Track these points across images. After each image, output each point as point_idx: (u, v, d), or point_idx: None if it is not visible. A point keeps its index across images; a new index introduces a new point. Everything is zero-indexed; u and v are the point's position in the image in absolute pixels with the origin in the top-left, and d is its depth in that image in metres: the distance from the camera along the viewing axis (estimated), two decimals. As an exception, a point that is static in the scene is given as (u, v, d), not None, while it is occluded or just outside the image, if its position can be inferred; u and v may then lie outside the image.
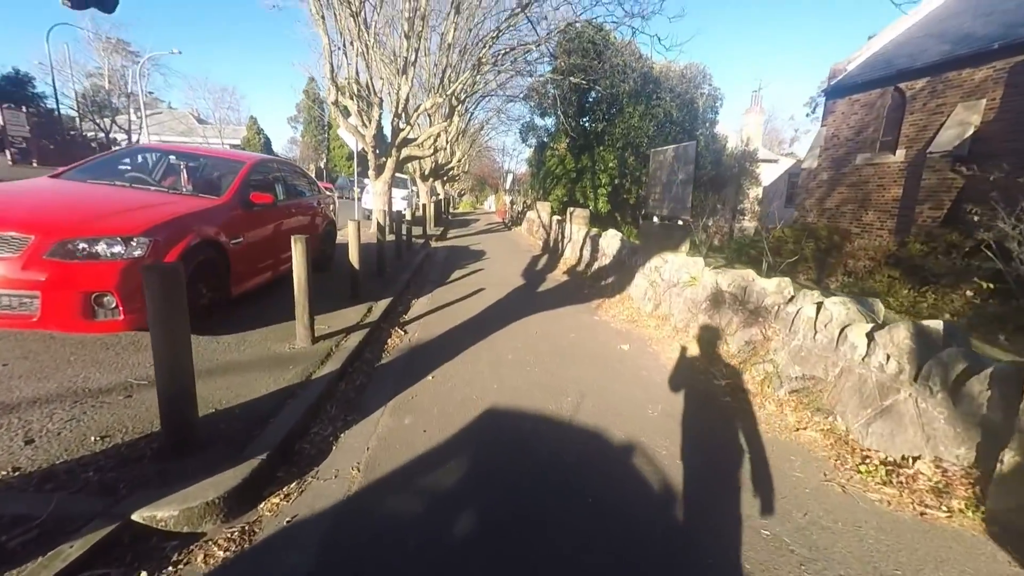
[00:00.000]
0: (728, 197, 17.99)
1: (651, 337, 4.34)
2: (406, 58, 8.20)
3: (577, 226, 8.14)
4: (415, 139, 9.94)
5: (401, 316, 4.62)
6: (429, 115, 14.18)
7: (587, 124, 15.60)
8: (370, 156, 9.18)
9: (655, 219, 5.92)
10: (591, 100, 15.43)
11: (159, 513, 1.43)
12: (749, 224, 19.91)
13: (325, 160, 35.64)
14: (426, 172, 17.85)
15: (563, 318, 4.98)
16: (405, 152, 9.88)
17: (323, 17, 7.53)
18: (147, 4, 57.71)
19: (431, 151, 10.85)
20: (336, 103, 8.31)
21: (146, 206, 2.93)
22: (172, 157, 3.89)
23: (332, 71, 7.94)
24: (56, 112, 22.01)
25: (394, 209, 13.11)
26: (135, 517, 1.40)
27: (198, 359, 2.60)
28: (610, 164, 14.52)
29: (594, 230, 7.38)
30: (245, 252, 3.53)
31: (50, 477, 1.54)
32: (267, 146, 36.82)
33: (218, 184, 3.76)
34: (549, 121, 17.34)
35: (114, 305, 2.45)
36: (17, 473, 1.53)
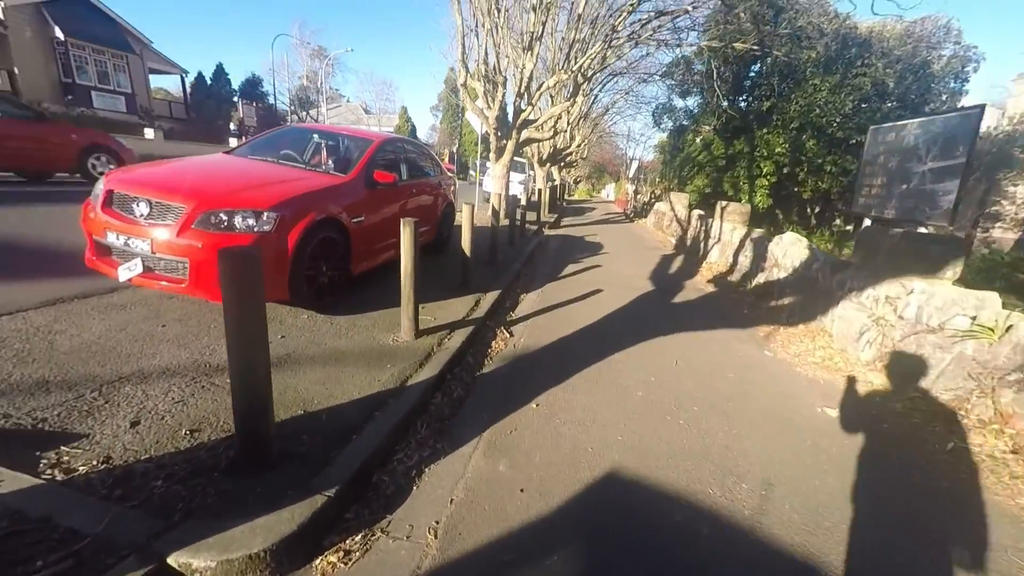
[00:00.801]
0: (973, 195, 12.69)
1: (874, 401, 2.91)
2: (532, 33, 7.66)
3: (730, 224, 6.51)
4: (535, 120, 9.45)
5: (508, 313, 4.17)
6: (551, 95, 13.59)
7: (745, 103, 12.80)
8: (492, 138, 9.05)
9: (867, 221, 4.12)
10: (754, 74, 12.60)
11: (196, 561, 1.15)
12: (1003, 235, 13.91)
13: (457, 145, 38.84)
14: (544, 157, 17.45)
15: (715, 345, 3.82)
16: (525, 134, 9.50)
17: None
18: (330, 9, 71.03)
19: (550, 133, 10.25)
20: (465, 85, 8.33)
21: (279, 182, 3.01)
22: (315, 136, 4.13)
23: (463, 53, 7.93)
24: (274, 106, 28.84)
25: (510, 193, 13.11)
26: (171, 561, 1.13)
27: (309, 340, 2.66)
28: (777, 149, 11.61)
29: (756, 231, 5.71)
30: (367, 231, 3.48)
31: (125, 479, 1.43)
32: (412, 132, 41.81)
33: (347, 162, 3.83)
34: (692, 101, 14.94)
35: None
36: (103, 467, 1.46)
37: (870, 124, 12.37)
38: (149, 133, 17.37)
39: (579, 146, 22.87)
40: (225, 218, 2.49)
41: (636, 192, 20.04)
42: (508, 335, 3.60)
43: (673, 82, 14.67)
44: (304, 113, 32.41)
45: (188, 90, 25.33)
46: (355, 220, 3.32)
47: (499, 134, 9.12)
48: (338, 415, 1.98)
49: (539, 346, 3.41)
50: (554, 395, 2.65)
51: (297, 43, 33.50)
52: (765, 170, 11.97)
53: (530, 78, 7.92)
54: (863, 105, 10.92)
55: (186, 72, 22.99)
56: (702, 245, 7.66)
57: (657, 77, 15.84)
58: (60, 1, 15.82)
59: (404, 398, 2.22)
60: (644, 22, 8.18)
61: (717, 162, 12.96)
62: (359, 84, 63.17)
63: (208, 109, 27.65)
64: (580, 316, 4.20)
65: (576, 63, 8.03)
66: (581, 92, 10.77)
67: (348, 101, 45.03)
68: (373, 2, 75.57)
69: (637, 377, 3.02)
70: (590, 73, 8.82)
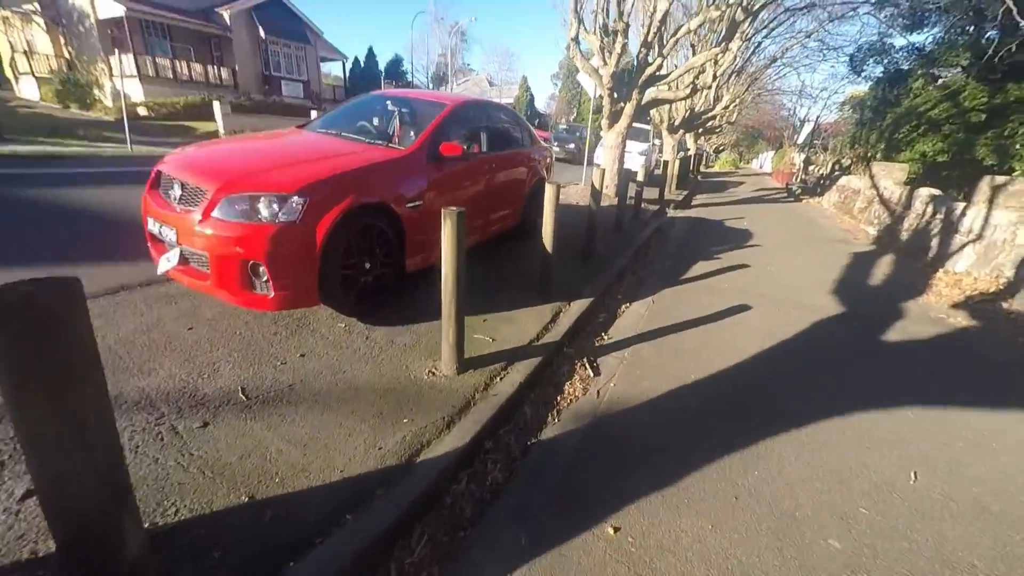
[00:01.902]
0: None
1: None
2: None
3: (1010, 215, 3.97)
4: (666, 76, 7.54)
5: (599, 335, 3.13)
6: (692, 44, 10.95)
7: None
8: (605, 100, 7.58)
9: None
10: None
11: None
12: None
13: (575, 114, 37.03)
14: (676, 122, 14.70)
15: (994, 442, 2.13)
16: (650, 94, 7.72)
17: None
18: None
19: (686, 92, 8.10)
20: (576, 39, 7.03)
21: (321, 158, 2.54)
22: (389, 103, 3.64)
23: (576, 1, 6.65)
24: (412, 83, 31.67)
25: (626, 166, 11.37)
26: None
27: (327, 365, 2.08)
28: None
29: None
30: (426, 217, 2.86)
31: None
32: (531, 103, 41.46)
33: (411, 133, 3.24)
34: (926, 36, 10.34)
35: (266, 278, 2.12)
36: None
37: None
38: (314, 115, 20.72)
39: (726, 108, 18.74)
40: (247, 204, 2.11)
41: (808, 162, 15.60)
42: (591, 373, 2.60)
43: (898, 9, 10.42)
44: (438, 87, 34.77)
45: (347, 75, 29.35)
46: (411, 204, 2.71)
47: (615, 95, 7.62)
48: (293, 512, 1.37)
49: (637, 399, 2.34)
50: (649, 513, 1.60)
51: (432, 20, 35.75)
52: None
53: (662, 22, 6.15)
54: None
55: (346, 58, 26.50)
56: (935, 242, 5.04)
57: (864, 10, 11.42)
58: (263, 4, 19.59)
59: (403, 488, 1.51)
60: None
61: (969, 117, 8.77)
62: (484, 56, 65.23)
63: (361, 91, 31.95)
64: (711, 350, 2.91)
65: None
66: (740, 35, 8.28)
67: (476, 74, 46.76)
68: None
69: (823, 499, 1.72)
70: (756, 5, 6.49)
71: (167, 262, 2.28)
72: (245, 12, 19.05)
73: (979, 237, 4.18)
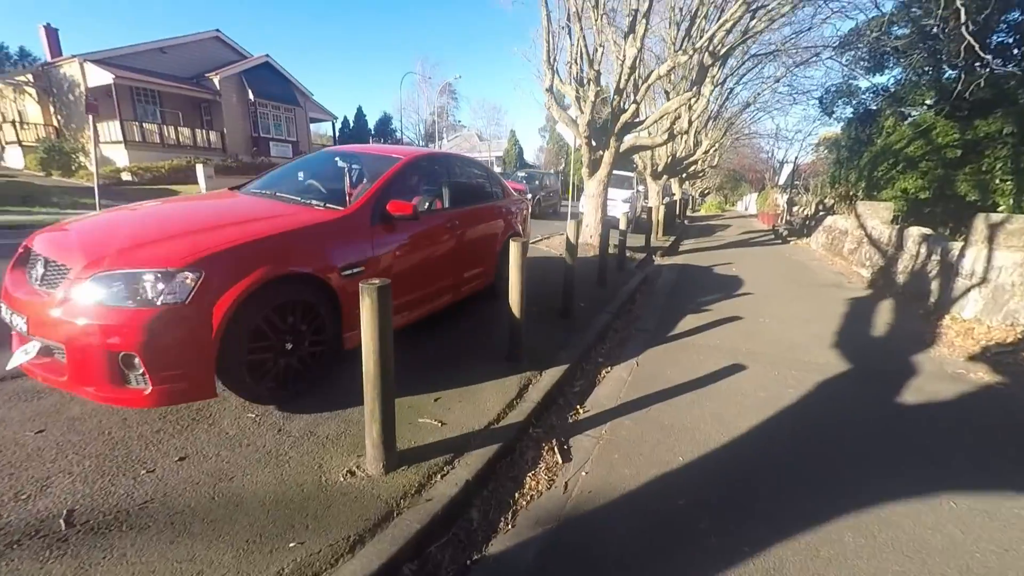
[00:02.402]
0: None
1: None
2: (636, 10, 6.20)
3: (1014, 255, 3.79)
4: (641, 122, 7.82)
5: (573, 409, 2.74)
6: (666, 90, 11.64)
7: (998, 65, 8.72)
8: (584, 149, 7.77)
9: None
10: (1007, 23, 8.66)
11: None
12: None
13: (564, 165, 38.96)
14: (659, 168, 15.27)
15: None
16: (628, 141, 7.95)
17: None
18: (445, 42, 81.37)
19: (663, 138, 8.35)
20: (551, 89, 7.35)
21: (233, 224, 2.28)
22: (338, 160, 3.51)
23: (548, 51, 7.01)
24: (401, 141, 33.33)
25: (609, 214, 11.51)
26: None
27: (210, 470, 1.68)
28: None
29: None
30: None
31: None
32: (520, 156, 43.68)
33: (355, 191, 3.08)
34: (888, 78, 11.16)
35: (142, 370, 1.77)
36: None
37: None
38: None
39: (707, 152, 19.72)
40: (120, 283, 1.80)
41: (791, 203, 16.05)
42: (560, 459, 2.20)
43: (858, 53, 11.29)
44: (427, 144, 36.73)
45: (336, 134, 30.88)
46: (349, 272, 2.43)
47: (593, 144, 7.81)
48: None
49: (613, 494, 1.93)
50: None
51: (421, 79, 38.60)
52: (1048, 159, 7.77)
53: (632, 68, 6.44)
54: None
55: (336, 118, 28.04)
56: (934, 285, 4.83)
57: (826, 55, 12.42)
58: (252, 69, 20.93)
59: None
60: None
61: (945, 153, 9.10)
62: (472, 112, 69.86)
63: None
64: (702, 424, 2.52)
65: (702, 37, 6.24)
66: (709, 80, 8.75)
67: (467, 130, 49.71)
68: (481, 30, 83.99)
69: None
70: (722, 50, 6.86)
71: (23, 354, 1.93)
72: (235, 76, 20.28)
73: (984, 280, 3.96)
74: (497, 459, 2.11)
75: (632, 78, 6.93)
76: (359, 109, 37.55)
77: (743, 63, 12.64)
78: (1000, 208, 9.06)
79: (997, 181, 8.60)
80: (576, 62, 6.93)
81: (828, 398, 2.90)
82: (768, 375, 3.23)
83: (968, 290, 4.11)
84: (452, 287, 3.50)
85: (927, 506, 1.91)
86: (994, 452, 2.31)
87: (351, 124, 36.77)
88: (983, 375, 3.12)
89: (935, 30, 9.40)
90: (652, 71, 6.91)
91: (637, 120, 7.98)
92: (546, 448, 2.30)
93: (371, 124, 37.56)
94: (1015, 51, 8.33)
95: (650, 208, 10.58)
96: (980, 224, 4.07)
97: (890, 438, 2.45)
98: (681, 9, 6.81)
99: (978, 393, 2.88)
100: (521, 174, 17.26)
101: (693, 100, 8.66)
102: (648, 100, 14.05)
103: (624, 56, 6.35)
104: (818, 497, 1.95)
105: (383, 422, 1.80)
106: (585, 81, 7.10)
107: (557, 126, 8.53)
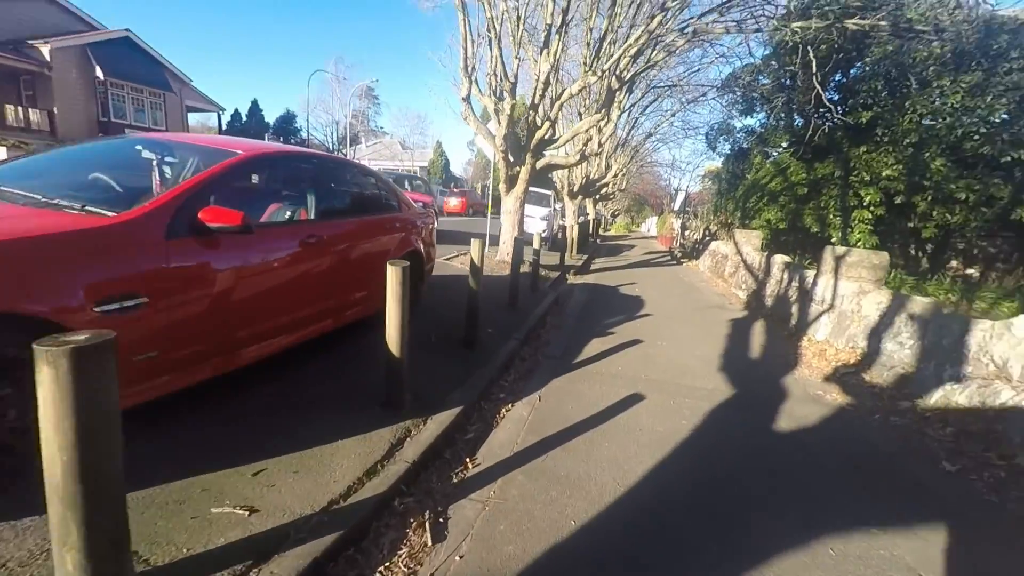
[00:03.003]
0: None
1: None
2: (550, 25, 6.31)
3: (854, 284, 4.40)
4: (556, 139, 7.98)
5: (462, 464, 2.34)
6: (580, 112, 12.29)
7: (833, 117, 10.77)
8: (500, 164, 7.64)
9: None
10: (850, 79, 10.73)
11: None
12: None
13: (492, 179, 39.14)
14: (575, 188, 16.04)
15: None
16: (544, 159, 8.04)
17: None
18: (366, 45, 77.86)
19: (576, 158, 8.69)
20: (468, 99, 7.11)
21: None
22: (143, 148, 2.66)
23: (466, 59, 6.77)
24: (307, 142, 30.22)
25: (528, 231, 11.59)
26: None
27: None
28: (885, 172, 9.36)
29: (918, 303, 3.50)
30: (172, 317, 1.89)
31: None
32: (446, 167, 42.83)
33: (152, 191, 2.31)
34: (755, 120, 13.15)
35: None
36: None
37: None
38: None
39: (616, 176, 21.43)
40: None
41: (684, 228, 17.98)
42: (429, 539, 1.77)
43: (735, 96, 13.04)
44: (347, 149, 33.98)
45: (223, 127, 27.06)
46: (109, 308, 1.66)
47: (510, 159, 7.71)
48: None
49: None
50: None
51: (334, 79, 35.97)
52: (868, 199, 9.65)
53: (546, 84, 6.47)
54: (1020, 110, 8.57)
55: (223, 109, 24.55)
56: (795, 309, 5.50)
57: (711, 95, 14.29)
58: (106, 43, 17.26)
59: None
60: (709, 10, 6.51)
61: (796, 190, 10.83)
62: (393, 119, 67.02)
63: (242, 145, 29.66)
64: (598, 472, 2.31)
65: (609, 60, 6.50)
66: (617, 104, 9.28)
67: (389, 137, 47.43)
68: (400, 34, 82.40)
69: None
70: (627, 75, 7.25)
71: None
72: (77, 49, 16.63)
73: (831, 307, 4.54)
74: (331, 555, 1.57)
75: (547, 95, 6.97)
76: (254, 103, 33.45)
77: (645, 94, 13.94)
78: (833, 240, 11.10)
79: (831, 216, 10.47)
80: (496, 74, 6.74)
81: (718, 431, 2.93)
82: (665, 405, 3.21)
83: (820, 315, 4.68)
84: (328, 313, 2.91)
85: (810, 556, 1.88)
86: (856, 482, 2.46)
87: (243, 118, 32.58)
88: (836, 395, 3.47)
89: (788, 81, 11.21)
90: (565, 90, 7.02)
91: (552, 138, 8.09)
92: (414, 525, 1.85)
93: (270, 120, 33.77)
94: (839, 108, 10.31)
95: (563, 227, 10.88)
96: (828, 256, 4.69)
97: (768, 475, 2.48)
98: (592, 29, 7.05)
99: (835, 416, 3.16)
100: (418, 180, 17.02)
101: (603, 122, 9.10)
102: (566, 121, 14.75)
103: (539, 71, 6.34)
104: (704, 556, 1.81)
105: (89, 548, 1.10)
106: (502, 93, 6.96)
107: (476, 139, 8.30)
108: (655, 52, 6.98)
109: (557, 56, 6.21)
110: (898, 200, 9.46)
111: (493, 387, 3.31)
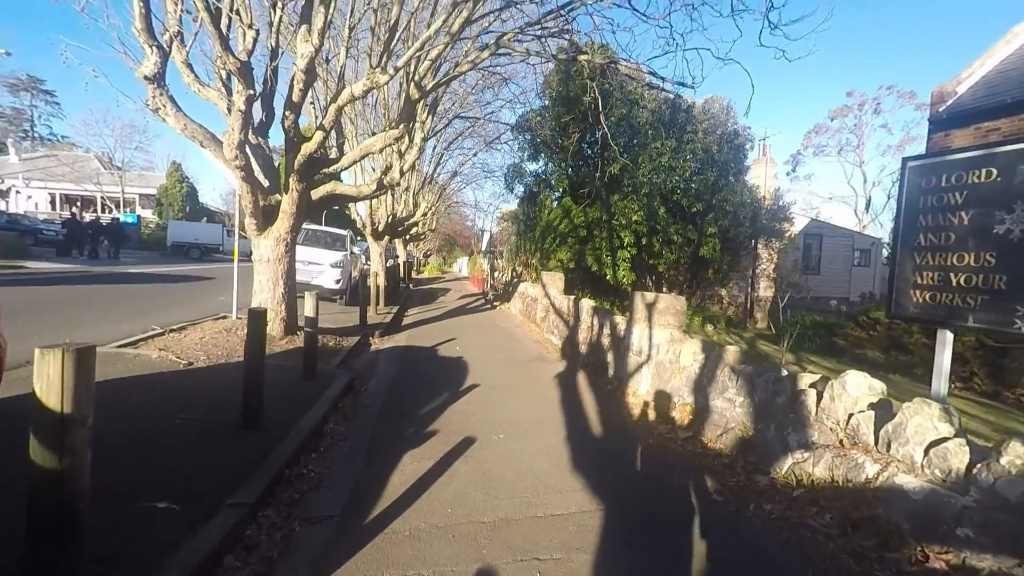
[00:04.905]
0: (744, 260, 15.43)
1: None
2: None
3: (664, 333, 4.31)
4: (336, 160, 6.15)
5: None
6: (374, 133, 10.81)
7: (595, 162, 12.82)
8: (242, 190, 5.20)
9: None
10: (602, 135, 12.95)
11: None
12: (764, 293, 17.44)
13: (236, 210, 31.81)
14: (380, 228, 14.19)
15: None
16: (326, 188, 6.05)
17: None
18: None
19: (372, 187, 6.64)
20: (157, 79, 4.33)
21: None
22: None
23: (146, 13, 4.14)
24: None
25: (311, 281, 9.01)
26: None
27: None
28: (634, 217, 11.49)
29: (729, 356, 3.44)
30: None
31: None
32: (191, 196, 32.62)
33: None
34: (540, 165, 14.71)
35: None
36: None
37: (705, 193, 14.08)
38: None
39: (425, 215, 20.70)
40: None
41: (493, 268, 18.53)
42: None
43: (524, 141, 14.16)
44: None
45: None
46: None
47: (262, 182, 5.41)
48: None
49: None
50: None
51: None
52: (626, 240, 11.64)
53: (308, 73, 4.59)
54: (704, 169, 11.88)
55: None
56: (611, 357, 5.33)
57: (506, 137, 15.34)
58: None
59: None
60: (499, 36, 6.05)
61: (579, 232, 12.17)
62: (86, 127, 45.54)
63: None
64: None
65: (403, 57, 5.12)
66: (420, 125, 8.14)
67: (80, 149, 33.04)
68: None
69: None
70: (429, 85, 6.12)
71: None
72: None
73: (648, 358, 4.34)
74: None
75: (307, 87, 5.06)
76: None
77: (451, 123, 13.74)
78: (607, 277, 13.05)
79: (604, 255, 12.21)
80: (225, 52, 4.17)
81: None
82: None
83: (640, 366, 4.45)
84: None
85: None
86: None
87: None
88: (696, 484, 2.90)
89: (560, 132, 12.74)
90: (344, 88, 5.29)
91: (330, 158, 6.20)
92: None
93: None
94: (592, 161, 12.37)
95: (364, 274, 8.87)
96: (639, 303, 4.56)
97: None
98: (377, 12, 5.54)
99: (713, 521, 2.50)
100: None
101: (403, 145, 7.76)
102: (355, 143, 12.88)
103: (300, 54, 4.41)
104: None
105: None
106: (230, 79, 4.68)
107: (206, 153, 5.52)
108: (459, 64, 6.13)
109: (323, 36, 4.49)
110: (644, 241, 11.73)
111: None
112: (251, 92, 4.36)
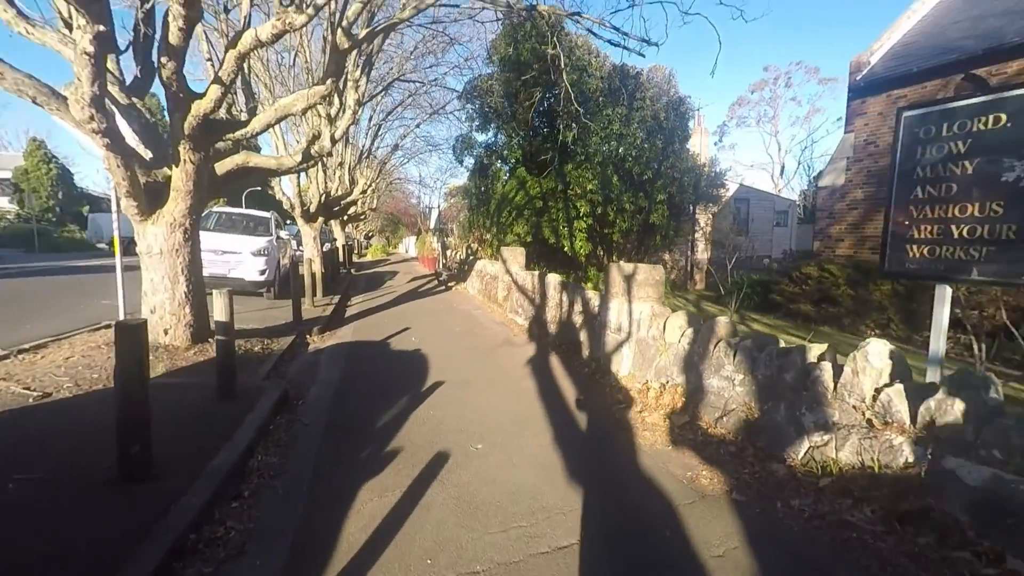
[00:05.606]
0: (685, 225, 16.07)
1: None
2: None
3: (644, 307, 3.95)
4: (245, 123, 4.96)
5: None
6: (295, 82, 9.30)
7: (545, 130, 12.13)
8: (109, 161, 3.94)
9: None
10: (553, 101, 12.24)
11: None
12: (701, 256, 18.40)
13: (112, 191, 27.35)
14: (311, 208, 12.54)
15: None
16: (237, 158, 4.86)
17: None
18: None
19: (297, 159, 5.59)
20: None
21: None
22: None
23: None
24: None
25: (229, 274, 7.68)
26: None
27: None
28: (588, 187, 11.11)
29: (719, 326, 3.12)
30: None
31: None
32: (64, 178, 27.17)
33: None
34: (491, 136, 13.73)
35: None
36: None
37: (654, 161, 14.02)
38: None
39: (364, 193, 18.86)
40: None
41: (445, 247, 17.51)
42: None
43: (473, 110, 13.06)
44: None
45: None
46: None
47: (136, 151, 4.20)
48: None
49: None
50: None
51: None
52: (582, 211, 11.30)
53: (186, 4, 3.40)
54: (652, 137, 11.67)
55: None
56: (584, 336, 4.95)
57: (452, 107, 14.09)
58: None
59: None
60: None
61: (535, 203, 11.61)
62: None
63: None
64: None
65: None
66: (353, 85, 6.87)
67: None
68: None
69: None
70: (362, 33, 5.00)
71: None
72: None
73: (628, 335, 3.98)
74: None
75: (221, 48, 3.90)
76: None
77: (389, 89, 12.30)
78: (564, 248, 12.78)
79: (560, 227, 11.84)
80: None
81: None
82: None
83: (620, 345, 4.07)
84: None
85: None
86: None
87: None
88: (704, 474, 2.59)
89: (510, 101, 11.91)
90: (246, 31, 4.12)
91: (233, 118, 4.98)
92: None
93: None
94: (545, 129, 11.76)
95: (295, 263, 7.65)
96: (615, 275, 4.16)
97: None
98: None
99: (736, 518, 2.18)
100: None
101: (331, 107, 6.55)
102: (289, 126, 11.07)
103: None
104: None
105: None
106: (69, 12, 3.43)
107: (55, 117, 4.08)
108: (404, 8, 4.97)
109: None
110: (599, 211, 11.47)
111: None
112: (100, 28, 3.13)
